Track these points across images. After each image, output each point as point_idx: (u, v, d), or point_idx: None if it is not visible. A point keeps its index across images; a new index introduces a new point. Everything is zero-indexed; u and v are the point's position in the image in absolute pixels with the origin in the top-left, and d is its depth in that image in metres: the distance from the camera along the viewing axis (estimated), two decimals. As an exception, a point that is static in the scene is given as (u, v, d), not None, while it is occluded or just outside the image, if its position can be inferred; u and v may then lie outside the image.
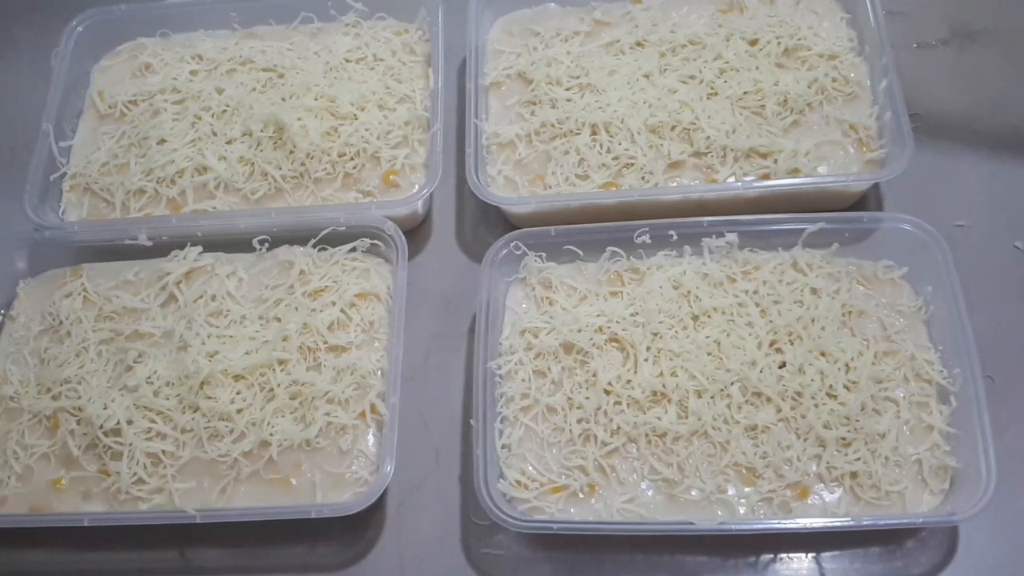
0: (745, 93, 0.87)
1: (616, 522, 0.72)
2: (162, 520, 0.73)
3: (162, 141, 0.90)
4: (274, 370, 0.77)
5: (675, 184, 0.84)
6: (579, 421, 0.75)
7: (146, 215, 0.87)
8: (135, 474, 0.74)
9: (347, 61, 0.94)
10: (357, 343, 0.79)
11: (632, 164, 0.85)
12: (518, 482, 0.74)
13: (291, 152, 0.87)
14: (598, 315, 0.79)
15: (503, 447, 0.75)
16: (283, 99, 0.91)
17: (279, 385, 0.76)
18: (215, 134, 0.90)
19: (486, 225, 0.88)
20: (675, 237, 0.81)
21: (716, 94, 0.87)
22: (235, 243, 0.85)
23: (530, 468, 0.74)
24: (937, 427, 0.73)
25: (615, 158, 0.85)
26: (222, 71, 0.95)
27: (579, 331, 0.78)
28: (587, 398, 0.76)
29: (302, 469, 0.74)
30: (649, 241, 0.81)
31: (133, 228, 0.84)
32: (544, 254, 0.82)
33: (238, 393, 0.76)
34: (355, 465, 0.74)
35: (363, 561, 0.75)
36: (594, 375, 0.76)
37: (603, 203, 0.84)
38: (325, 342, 0.78)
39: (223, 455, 0.74)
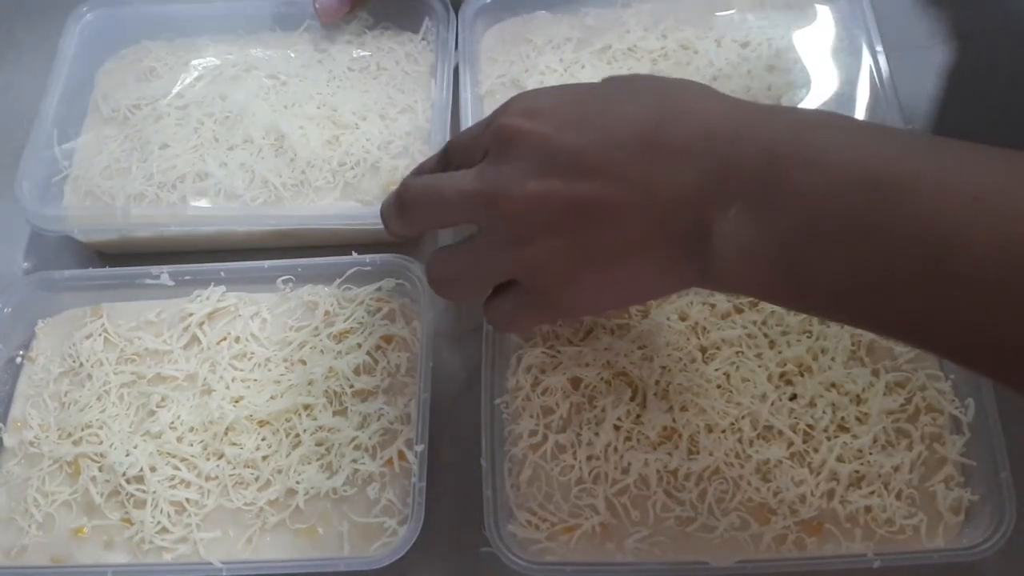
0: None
1: (630, 562, 0.71)
2: (187, 571, 0.72)
3: (164, 146, 0.88)
4: (300, 415, 0.76)
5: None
6: (589, 458, 0.74)
7: (146, 217, 0.85)
8: (159, 523, 0.72)
9: (350, 70, 0.93)
10: (384, 387, 0.77)
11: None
12: (528, 522, 0.73)
13: (292, 160, 0.86)
14: (605, 349, 0.77)
15: (512, 487, 0.74)
16: (285, 107, 0.89)
17: (305, 431, 0.75)
18: (217, 140, 0.88)
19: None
20: None
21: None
22: (257, 280, 0.83)
23: (540, 508, 0.73)
24: (951, 458, 0.72)
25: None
26: (226, 77, 0.93)
27: (586, 366, 0.77)
28: (596, 435, 0.74)
29: (329, 519, 0.73)
30: None
31: (155, 269, 0.82)
32: None
33: (263, 439, 0.75)
34: (383, 515, 0.73)
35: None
36: (603, 411, 0.75)
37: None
38: (351, 386, 0.77)
39: (249, 503, 0.73)
